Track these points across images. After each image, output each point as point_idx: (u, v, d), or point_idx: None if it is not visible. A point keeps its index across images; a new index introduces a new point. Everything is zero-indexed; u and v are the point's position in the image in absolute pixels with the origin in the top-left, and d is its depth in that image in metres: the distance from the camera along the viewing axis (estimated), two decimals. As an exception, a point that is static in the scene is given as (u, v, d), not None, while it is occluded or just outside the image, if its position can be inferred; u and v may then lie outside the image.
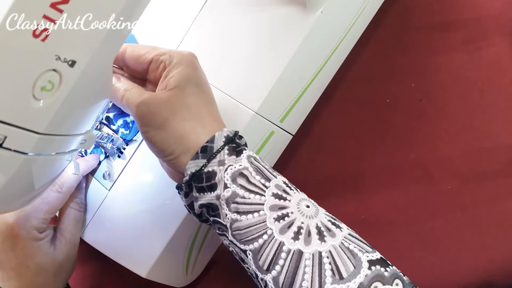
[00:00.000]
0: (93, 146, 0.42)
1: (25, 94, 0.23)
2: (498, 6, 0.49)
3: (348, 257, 0.28)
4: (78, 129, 0.29)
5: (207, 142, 0.31)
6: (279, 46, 0.38)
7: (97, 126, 0.42)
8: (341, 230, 0.29)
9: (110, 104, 0.41)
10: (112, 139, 0.41)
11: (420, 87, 0.48)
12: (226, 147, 0.31)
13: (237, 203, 0.30)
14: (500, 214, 0.46)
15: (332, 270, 0.27)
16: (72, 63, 0.24)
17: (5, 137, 0.23)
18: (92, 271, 0.42)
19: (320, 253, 0.28)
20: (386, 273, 0.27)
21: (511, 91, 0.47)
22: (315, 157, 0.47)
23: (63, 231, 0.40)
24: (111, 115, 0.41)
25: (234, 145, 0.31)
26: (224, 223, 0.30)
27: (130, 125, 0.41)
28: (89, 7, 0.23)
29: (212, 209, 0.31)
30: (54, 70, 0.24)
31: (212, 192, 0.31)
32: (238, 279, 0.46)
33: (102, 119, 0.42)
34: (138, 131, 0.41)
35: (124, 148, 0.41)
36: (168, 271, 0.41)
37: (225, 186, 0.30)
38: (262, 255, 0.29)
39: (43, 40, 0.22)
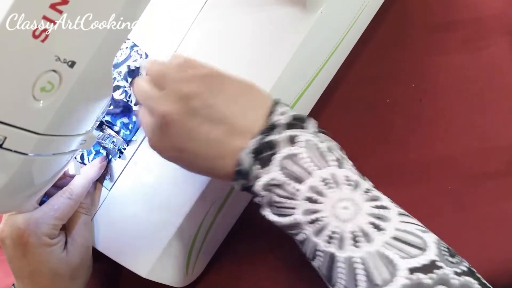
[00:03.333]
0: (94, 152, 0.42)
1: (25, 95, 0.23)
2: (498, 6, 0.49)
3: (384, 264, 0.26)
4: (78, 130, 0.29)
5: (236, 166, 0.31)
6: (279, 46, 0.38)
7: (101, 127, 0.42)
8: (384, 233, 0.27)
9: (111, 107, 0.41)
10: (113, 140, 0.41)
11: (420, 87, 0.48)
12: (254, 163, 0.31)
13: (276, 207, 0.30)
14: (500, 214, 0.46)
15: (366, 276, 0.26)
16: (72, 64, 0.24)
17: (5, 138, 0.23)
18: (92, 270, 0.42)
19: (352, 259, 0.27)
20: (428, 280, 0.25)
21: (511, 91, 0.47)
22: (315, 157, 0.47)
23: (74, 235, 0.39)
24: (108, 117, 0.41)
25: (262, 155, 0.31)
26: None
27: (130, 126, 0.41)
28: (89, 7, 0.23)
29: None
30: (54, 70, 0.24)
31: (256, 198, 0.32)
32: (239, 278, 0.46)
33: (103, 118, 0.42)
34: (138, 131, 0.41)
35: (125, 149, 0.41)
36: (168, 271, 0.41)
37: (260, 195, 0.31)
38: (305, 248, 0.30)
39: (43, 40, 0.22)
